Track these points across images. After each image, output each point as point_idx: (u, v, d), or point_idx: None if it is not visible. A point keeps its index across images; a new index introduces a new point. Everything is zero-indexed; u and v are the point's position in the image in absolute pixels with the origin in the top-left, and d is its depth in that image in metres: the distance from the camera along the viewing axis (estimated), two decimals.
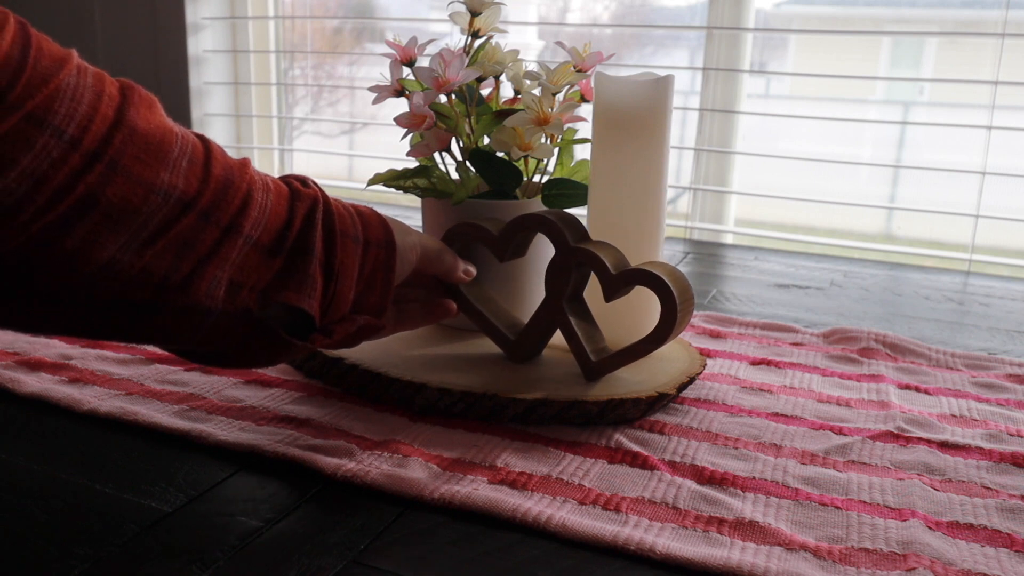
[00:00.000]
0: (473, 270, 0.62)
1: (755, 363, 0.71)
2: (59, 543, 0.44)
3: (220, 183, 0.44)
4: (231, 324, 0.46)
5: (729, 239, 1.31)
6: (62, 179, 0.38)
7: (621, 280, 0.58)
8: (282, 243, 0.47)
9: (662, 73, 0.63)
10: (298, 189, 0.50)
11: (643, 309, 0.64)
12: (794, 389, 0.66)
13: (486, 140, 0.67)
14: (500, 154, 0.66)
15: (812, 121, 1.30)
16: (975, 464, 0.54)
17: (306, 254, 0.48)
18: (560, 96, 0.66)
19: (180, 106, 1.55)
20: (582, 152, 0.71)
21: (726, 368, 0.70)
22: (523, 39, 1.49)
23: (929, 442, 0.57)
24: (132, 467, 0.52)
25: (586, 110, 0.68)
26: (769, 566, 0.43)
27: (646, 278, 0.57)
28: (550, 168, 0.69)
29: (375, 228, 0.53)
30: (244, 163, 0.47)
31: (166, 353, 0.68)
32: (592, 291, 0.62)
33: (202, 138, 0.45)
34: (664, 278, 0.56)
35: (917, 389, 0.66)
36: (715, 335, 0.77)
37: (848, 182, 1.35)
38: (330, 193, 0.55)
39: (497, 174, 0.66)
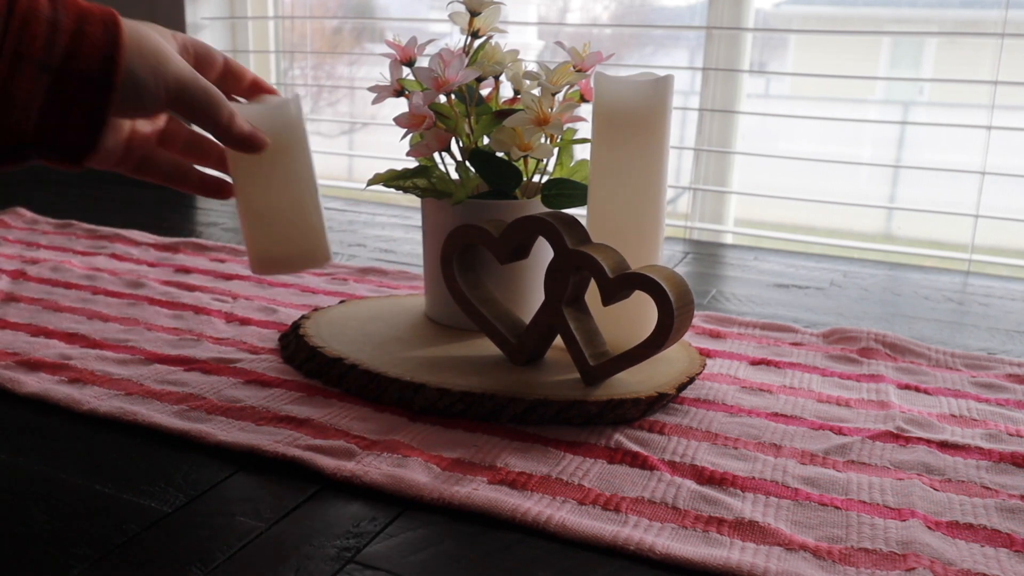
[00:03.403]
0: (263, 140, 0.52)
1: (755, 363, 0.71)
2: (59, 543, 0.44)
3: None
4: None
5: (729, 239, 1.31)
6: None
7: (619, 284, 0.58)
8: None
9: (662, 73, 0.63)
10: None
11: (645, 311, 0.64)
12: (794, 389, 0.66)
13: (486, 140, 0.67)
14: (500, 154, 0.66)
15: (812, 121, 1.30)
16: (975, 464, 0.54)
17: None
18: (560, 96, 0.66)
19: None
20: (582, 152, 0.71)
21: (726, 368, 0.70)
22: (523, 39, 1.49)
23: (929, 442, 0.57)
24: (132, 467, 0.52)
25: (586, 110, 0.68)
26: (769, 566, 0.43)
27: (644, 283, 0.57)
28: (550, 168, 0.69)
29: (87, 55, 0.44)
30: None
31: (166, 353, 0.68)
32: (593, 293, 0.62)
33: None
34: (662, 283, 0.56)
35: (917, 389, 0.67)
36: (715, 335, 0.77)
37: (848, 182, 1.35)
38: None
39: (497, 174, 0.66)
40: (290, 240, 0.58)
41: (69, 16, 0.44)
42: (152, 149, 0.55)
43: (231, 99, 0.54)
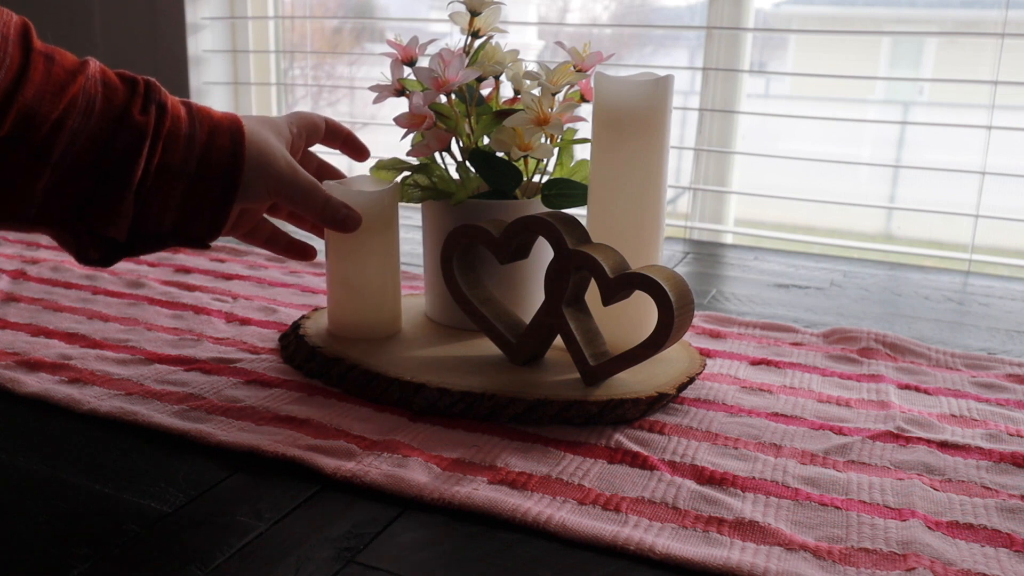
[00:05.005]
0: (355, 223, 0.60)
1: (755, 363, 0.71)
2: (59, 543, 0.44)
3: (24, 114, 0.46)
4: (47, 229, 0.51)
5: (729, 239, 1.31)
6: None
7: (619, 284, 0.58)
8: (96, 169, 0.49)
9: (662, 73, 0.63)
10: (131, 117, 0.50)
11: (645, 311, 0.64)
12: (794, 389, 0.66)
13: (486, 140, 0.67)
14: (500, 154, 0.66)
15: (812, 121, 1.30)
16: (975, 464, 0.54)
17: (121, 184, 0.49)
18: (560, 96, 0.66)
19: None
20: (582, 152, 0.71)
21: (726, 368, 0.70)
22: (523, 39, 1.49)
23: (929, 442, 0.57)
24: (132, 467, 0.52)
25: (586, 110, 0.68)
26: (769, 566, 0.43)
27: (644, 283, 0.57)
28: (550, 168, 0.70)
29: (216, 163, 0.53)
30: (65, 84, 0.48)
31: (166, 353, 0.68)
32: (593, 293, 0.62)
33: (26, 56, 0.46)
34: (662, 283, 0.56)
35: (917, 389, 0.66)
36: (715, 335, 0.77)
37: (848, 182, 1.35)
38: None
39: (497, 174, 0.66)
40: (368, 312, 0.67)
41: (203, 129, 0.52)
42: (259, 221, 0.64)
43: (344, 177, 0.66)
